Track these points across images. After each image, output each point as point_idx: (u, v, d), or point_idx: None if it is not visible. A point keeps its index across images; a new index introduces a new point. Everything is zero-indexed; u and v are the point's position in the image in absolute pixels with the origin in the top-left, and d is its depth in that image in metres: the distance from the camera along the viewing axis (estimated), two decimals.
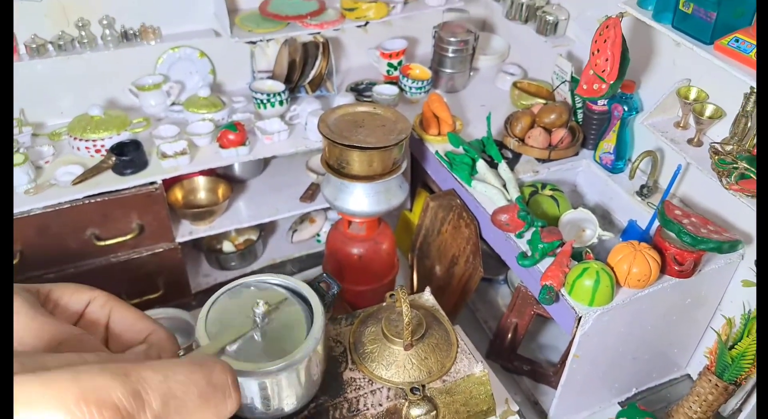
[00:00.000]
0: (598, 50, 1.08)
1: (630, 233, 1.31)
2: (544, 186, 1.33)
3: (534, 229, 1.15)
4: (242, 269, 1.60)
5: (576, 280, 1.05)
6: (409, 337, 0.96)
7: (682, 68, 1.23)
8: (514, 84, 1.59)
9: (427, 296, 1.14)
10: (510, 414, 1.01)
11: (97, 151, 1.37)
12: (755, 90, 1.03)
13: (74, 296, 0.43)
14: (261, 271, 1.61)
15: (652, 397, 1.34)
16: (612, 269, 1.07)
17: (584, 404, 1.26)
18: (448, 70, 1.64)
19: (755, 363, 1.06)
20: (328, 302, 0.76)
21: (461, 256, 1.34)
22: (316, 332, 0.84)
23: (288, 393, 0.87)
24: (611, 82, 1.10)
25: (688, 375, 1.38)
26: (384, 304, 1.12)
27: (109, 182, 1.31)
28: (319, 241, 1.67)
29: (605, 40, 1.07)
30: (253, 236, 1.63)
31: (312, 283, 0.74)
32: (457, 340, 1.04)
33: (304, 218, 1.68)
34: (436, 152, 1.39)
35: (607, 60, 1.07)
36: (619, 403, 1.30)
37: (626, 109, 1.30)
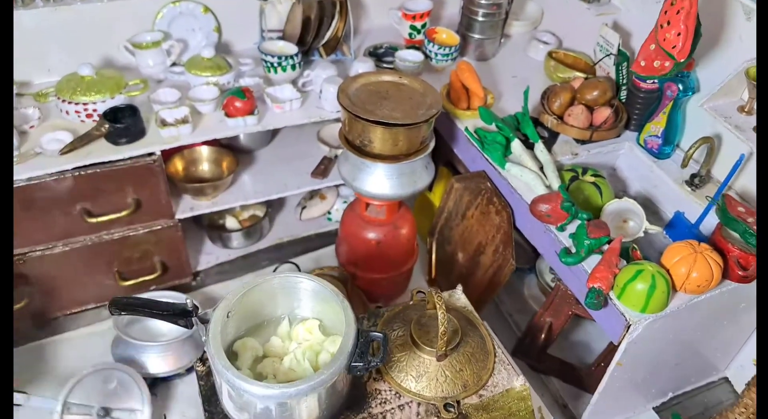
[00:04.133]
0: (669, 23, 0.94)
1: (677, 226, 1.19)
2: (585, 171, 1.20)
3: (579, 222, 1.03)
4: (246, 247, 1.48)
5: (628, 284, 0.94)
6: (444, 347, 0.85)
7: (749, 46, 1.09)
8: (550, 54, 1.44)
9: (459, 295, 1.03)
10: None
11: (89, 116, 1.22)
12: None
13: None
14: (267, 251, 1.49)
15: (687, 402, 1.24)
16: (668, 271, 0.96)
17: (618, 409, 1.17)
18: (477, 36, 1.49)
19: None
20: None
21: (489, 245, 1.22)
22: (346, 346, 0.72)
23: (315, 415, 0.76)
24: (681, 60, 0.96)
25: (726, 379, 1.28)
26: (411, 302, 1.00)
27: (102, 152, 1.17)
28: (329, 219, 1.54)
29: (678, 11, 0.92)
30: (260, 213, 1.50)
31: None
32: (494, 348, 0.93)
33: (314, 194, 1.55)
34: (466, 128, 1.26)
35: (679, 34, 0.93)
36: (653, 408, 1.20)
37: (681, 88, 1.16)
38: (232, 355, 0.81)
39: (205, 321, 0.74)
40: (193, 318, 0.71)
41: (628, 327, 0.94)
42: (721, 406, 1.24)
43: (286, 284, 0.80)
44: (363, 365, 0.71)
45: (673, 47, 0.95)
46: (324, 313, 0.85)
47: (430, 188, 1.52)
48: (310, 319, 0.85)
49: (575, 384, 1.21)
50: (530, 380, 1.23)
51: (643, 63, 1.02)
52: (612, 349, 1.11)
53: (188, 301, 0.67)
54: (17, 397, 1.02)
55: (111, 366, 1.10)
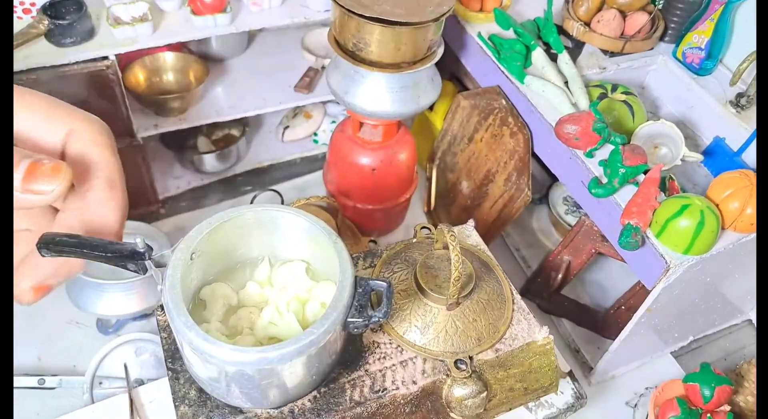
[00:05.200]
0: None
1: (716, 154, 1.04)
2: (614, 88, 1.03)
3: (612, 147, 0.87)
4: (222, 173, 1.30)
5: (670, 220, 0.79)
6: (456, 294, 0.71)
7: None
8: None
9: (470, 232, 0.87)
10: (559, 376, 0.79)
11: (26, 11, 1.01)
12: None
13: None
14: (244, 175, 1.32)
15: (708, 346, 1.14)
16: (717, 206, 0.81)
17: (635, 355, 1.06)
18: None
19: None
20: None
21: (500, 173, 1.07)
22: (341, 298, 0.57)
23: (302, 380, 0.63)
24: None
25: (749, 321, 1.18)
26: (414, 240, 0.85)
27: (43, 54, 0.97)
28: (316, 142, 1.37)
29: None
30: (236, 132, 1.32)
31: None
32: (512, 294, 0.79)
33: (298, 112, 1.36)
34: (479, 34, 1.07)
35: None
36: (671, 353, 1.10)
37: None
38: (199, 304, 0.66)
39: (161, 265, 0.58)
40: (146, 262, 0.54)
41: (667, 270, 0.80)
42: (743, 352, 1.14)
43: (263, 218, 0.64)
44: (362, 321, 0.57)
45: None
46: (312, 254, 0.69)
47: (430, 106, 1.34)
48: (295, 261, 0.69)
49: (588, 326, 1.10)
50: (540, 322, 1.11)
51: None
52: (635, 292, 0.99)
53: (138, 240, 0.50)
54: (49, 380, 0.97)
55: (142, 337, 1.00)
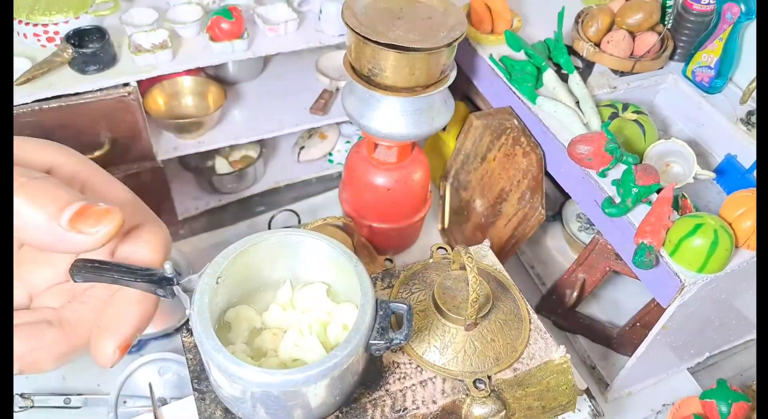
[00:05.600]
0: None
1: (727, 172, 1.05)
2: (625, 107, 1.05)
3: (625, 167, 0.88)
4: (239, 193, 1.33)
5: (684, 239, 0.80)
6: (474, 315, 0.72)
7: None
8: None
9: (486, 251, 0.89)
10: (576, 394, 0.80)
11: (50, 40, 1.05)
12: None
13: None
14: (261, 195, 1.35)
15: (724, 362, 1.14)
16: (730, 225, 0.82)
17: (652, 371, 1.06)
18: None
19: None
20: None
21: (513, 192, 1.08)
22: (362, 321, 0.59)
23: (325, 400, 0.64)
24: None
25: None
26: (431, 260, 0.87)
27: (67, 82, 1.01)
28: (331, 161, 1.39)
29: None
30: (253, 153, 1.35)
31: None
32: (529, 314, 0.80)
33: (313, 133, 1.39)
34: (490, 56, 1.09)
35: None
36: (688, 369, 1.10)
37: (744, 10, 0.99)
38: (224, 326, 0.68)
39: (188, 290, 0.60)
40: (174, 287, 0.56)
41: (682, 289, 0.81)
42: None
43: (286, 242, 0.65)
44: (384, 343, 0.58)
45: None
46: (332, 275, 0.71)
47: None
48: (316, 283, 0.71)
49: (604, 343, 1.10)
50: (555, 339, 1.12)
51: None
52: (650, 310, 1.00)
53: (167, 266, 0.52)
54: (74, 400, 0.98)
55: (165, 356, 1.01)
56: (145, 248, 0.43)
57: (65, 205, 0.35)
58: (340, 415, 0.67)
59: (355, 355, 0.58)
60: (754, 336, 1.17)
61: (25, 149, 0.39)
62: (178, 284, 0.58)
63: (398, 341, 0.60)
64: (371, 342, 0.59)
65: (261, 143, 1.33)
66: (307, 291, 0.70)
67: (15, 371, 0.38)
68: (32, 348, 0.38)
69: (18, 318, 0.40)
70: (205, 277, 0.60)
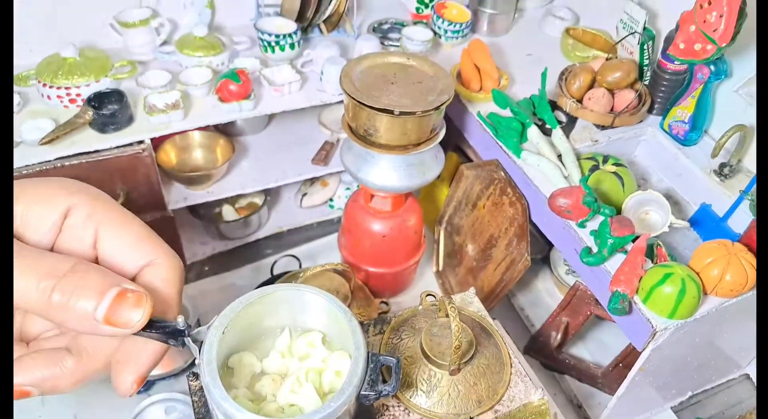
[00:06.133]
0: (709, 2, 0.85)
1: (702, 220, 1.11)
2: (606, 159, 1.12)
3: (602, 218, 0.95)
4: (245, 238, 1.40)
5: (654, 288, 0.87)
6: (457, 361, 0.78)
7: None
8: (567, 31, 1.35)
9: (471, 298, 0.96)
10: None
11: (72, 101, 1.14)
12: None
13: (45, 212, 0.38)
14: (266, 240, 1.42)
15: (707, 401, 1.19)
16: (698, 274, 0.89)
17: (636, 410, 1.11)
18: (489, 11, 1.39)
19: None
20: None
21: (502, 238, 1.15)
22: (354, 374, 0.65)
23: None
24: (723, 44, 0.87)
25: (747, 376, 1.23)
26: (420, 307, 0.93)
27: (87, 140, 1.09)
28: (332, 206, 1.47)
29: None
30: (258, 200, 1.43)
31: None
32: (510, 358, 0.86)
33: (315, 181, 1.47)
34: (478, 114, 1.17)
35: (721, 16, 0.84)
36: (671, 408, 1.15)
37: (713, 71, 1.07)
38: (227, 371, 0.74)
39: (197, 340, 0.67)
40: (185, 339, 0.63)
41: (654, 334, 0.87)
42: (741, 405, 1.18)
43: (289, 297, 0.72)
44: (374, 395, 0.64)
45: (714, 31, 0.86)
46: (328, 325, 0.78)
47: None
48: (314, 331, 0.78)
49: (589, 382, 1.15)
50: (543, 379, 1.17)
51: (682, 45, 0.93)
52: (631, 351, 1.05)
53: (180, 319, 0.59)
54: None
55: (172, 396, 1.07)
56: (162, 284, 0.44)
57: (102, 292, 0.37)
58: None
59: (347, 404, 0.64)
60: (736, 375, 1.22)
61: (46, 189, 0.39)
62: (188, 335, 0.65)
63: (387, 392, 0.66)
64: (362, 392, 0.65)
65: (265, 190, 1.41)
66: (304, 340, 0.77)
67: (35, 392, 0.40)
68: (53, 375, 0.41)
69: (38, 344, 0.43)
70: (213, 330, 0.67)
